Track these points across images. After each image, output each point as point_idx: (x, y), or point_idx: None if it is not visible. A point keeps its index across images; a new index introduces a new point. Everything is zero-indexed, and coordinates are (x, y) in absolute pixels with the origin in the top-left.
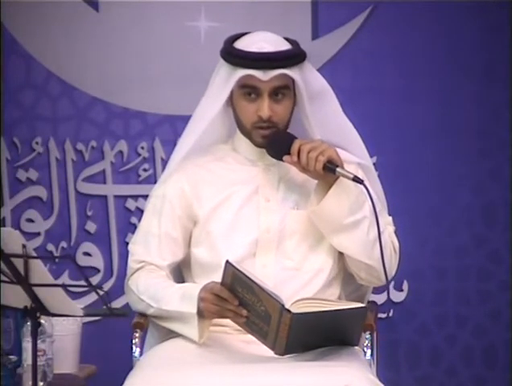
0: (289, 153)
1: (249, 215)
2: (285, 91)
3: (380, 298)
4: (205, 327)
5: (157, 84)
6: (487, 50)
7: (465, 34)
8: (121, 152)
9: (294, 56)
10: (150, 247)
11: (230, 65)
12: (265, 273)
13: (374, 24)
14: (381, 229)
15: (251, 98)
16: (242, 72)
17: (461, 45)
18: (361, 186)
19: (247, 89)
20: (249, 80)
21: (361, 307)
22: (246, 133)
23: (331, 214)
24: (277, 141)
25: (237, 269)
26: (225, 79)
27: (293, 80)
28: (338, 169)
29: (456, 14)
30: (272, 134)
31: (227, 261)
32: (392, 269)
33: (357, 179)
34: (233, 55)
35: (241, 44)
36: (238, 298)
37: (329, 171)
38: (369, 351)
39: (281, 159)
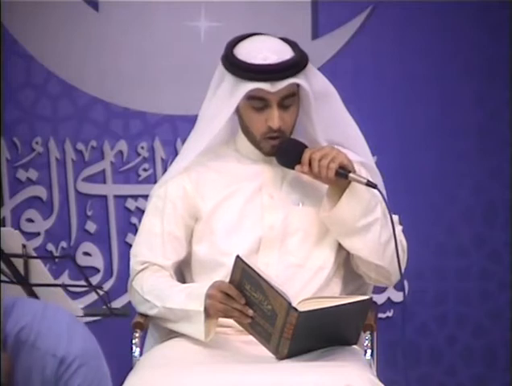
0: (299, 162)
1: (252, 213)
2: (292, 98)
3: (380, 298)
4: (212, 326)
5: (157, 84)
6: (487, 50)
7: (465, 34)
8: (121, 152)
9: (299, 63)
10: (154, 247)
11: (235, 76)
12: (267, 270)
13: (374, 24)
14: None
15: (259, 108)
16: (250, 86)
17: (461, 45)
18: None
19: (255, 101)
20: (258, 93)
21: (366, 299)
22: (254, 142)
23: (344, 218)
24: (286, 151)
25: (247, 265)
26: (230, 90)
27: (298, 85)
28: (351, 174)
29: (456, 14)
30: (281, 143)
31: (237, 256)
32: (401, 269)
33: (370, 184)
34: (237, 67)
35: (244, 53)
36: (245, 297)
37: (341, 177)
38: (369, 351)
39: (292, 168)
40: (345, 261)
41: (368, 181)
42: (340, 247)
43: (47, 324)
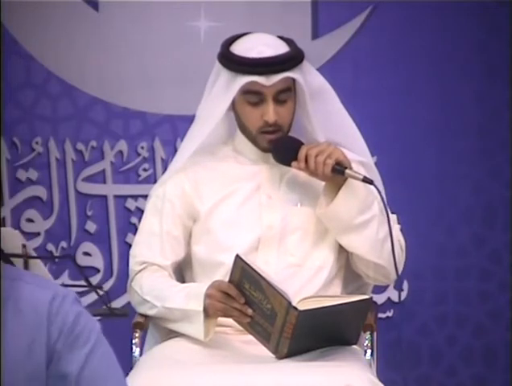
0: (296, 159)
1: (250, 212)
2: (288, 93)
3: (380, 298)
4: (211, 325)
5: (157, 84)
6: (487, 50)
7: (465, 34)
8: (121, 152)
9: (294, 58)
10: (153, 246)
11: (230, 71)
12: (267, 270)
13: (374, 24)
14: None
15: (255, 103)
16: (245, 79)
17: (461, 45)
18: (371, 186)
19: (250, 95)
20: (253, 86)
21: (366, 299)
22: (251, 138)
23: (341, 215)
24: (283, 147)
25: (247, 264)
26: (226, 85)
27: (294, 81)
28: (347, 170)
29: (456, 14)
30: (277, 140)
31: (237, 255)
32: (399, 268)
33: (366, 180)
34: (233, 62)
35: (239, 49)
36: (245, 296)
37: (338, 173)
38: (369, 351)
39: (288, 165)
40: (347, 263)
41: (364, 177)
42: (341, 248)
43: None
